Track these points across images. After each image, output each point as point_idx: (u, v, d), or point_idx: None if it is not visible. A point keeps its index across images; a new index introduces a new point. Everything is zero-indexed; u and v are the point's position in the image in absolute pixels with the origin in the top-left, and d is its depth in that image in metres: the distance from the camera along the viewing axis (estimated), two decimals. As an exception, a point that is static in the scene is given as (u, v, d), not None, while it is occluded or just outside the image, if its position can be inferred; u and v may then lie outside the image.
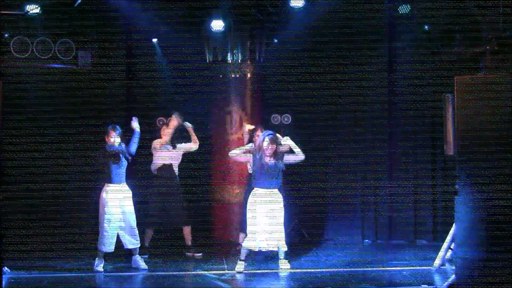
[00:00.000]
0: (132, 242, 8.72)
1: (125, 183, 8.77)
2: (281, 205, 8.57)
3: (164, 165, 9.53)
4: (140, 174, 9.80)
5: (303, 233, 10.56)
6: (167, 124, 9.59)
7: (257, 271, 8.56)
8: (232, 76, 10.70)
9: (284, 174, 8.83)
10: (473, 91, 7.02)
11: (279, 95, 10.81)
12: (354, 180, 10.71)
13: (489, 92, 6.97)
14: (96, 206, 8.76)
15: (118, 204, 8.63)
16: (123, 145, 8.68)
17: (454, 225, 7.76)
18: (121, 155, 8.61)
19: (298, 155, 8.63)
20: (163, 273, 8.54)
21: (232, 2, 10.14)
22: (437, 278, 8.01)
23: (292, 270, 8.53)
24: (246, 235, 8.64)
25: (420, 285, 7.52)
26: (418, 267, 8.64)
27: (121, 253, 8.83)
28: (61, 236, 9.58)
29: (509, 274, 6.80)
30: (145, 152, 9.48)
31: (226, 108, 10.71)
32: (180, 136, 9.65)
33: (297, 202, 10.30)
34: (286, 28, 10.44)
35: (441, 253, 8.48)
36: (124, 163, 8.70)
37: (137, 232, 8.77)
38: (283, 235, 8.56)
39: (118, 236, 8.62)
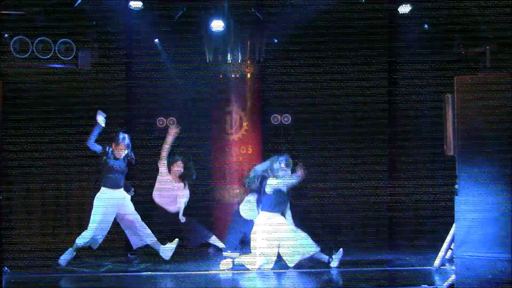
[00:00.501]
0: (142, 240, 8.78)
1: (122, 189, 8.82)
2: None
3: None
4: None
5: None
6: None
7: (259, 271, 8.58)
8: (232, 76, 10.69)
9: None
10: (473, 91, 7.01)
11: (279, 95, 10.82)
12: (354, 180, 10.72)
13: (489, 92, 6.97)
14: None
15: (111, 212, 8.68)
16: (128, 150, 8.72)
17: (454, 225, 7.75)
18: (124, 168, 8.67)
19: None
20: (163, 273, 8.54)
21: (232, 2, 10.13)
22: (437, 278, 8.00)
23: (292, 270, 8.54)
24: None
25: (420, 285, 7.52)
26: (418, 267, 8.64)
27: (121, 253, 8.82)
28: (61, 236, 9.57)
29: (509, 274, 6.81)
30: (145, 152, 9.47)
31: (226, 108, 10.70)
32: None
33: (297, 202, 10.29)
34: (286, 28, 10.44)
35: (441, 253, 8.47)
36: (125, 170, 8.76)
37: (145, 231, 8.79)
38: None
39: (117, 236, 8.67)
